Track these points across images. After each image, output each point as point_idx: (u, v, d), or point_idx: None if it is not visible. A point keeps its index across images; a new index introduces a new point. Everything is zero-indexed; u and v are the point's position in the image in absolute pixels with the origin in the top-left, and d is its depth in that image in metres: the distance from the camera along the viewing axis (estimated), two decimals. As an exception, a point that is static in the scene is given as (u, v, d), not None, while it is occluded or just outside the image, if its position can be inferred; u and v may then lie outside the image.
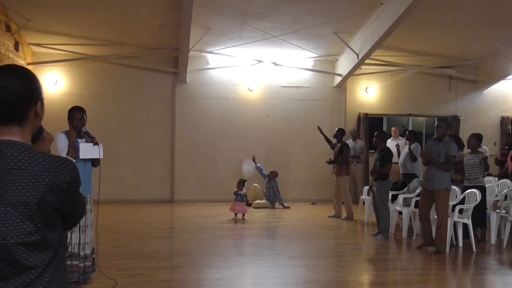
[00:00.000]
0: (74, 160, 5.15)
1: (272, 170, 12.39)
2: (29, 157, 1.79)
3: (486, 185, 8.53)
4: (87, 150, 5.26)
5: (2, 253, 1.73)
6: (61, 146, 5.21)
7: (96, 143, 5.28)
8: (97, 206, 5.39)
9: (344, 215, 10.63)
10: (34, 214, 1.76)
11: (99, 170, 5.34)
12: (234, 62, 12.93)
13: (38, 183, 1.77)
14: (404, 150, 10.35)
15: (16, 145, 1.81)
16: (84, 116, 5.38)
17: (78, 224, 5.19)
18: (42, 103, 1.90)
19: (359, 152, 12.52)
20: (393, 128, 12.78)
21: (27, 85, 1.86)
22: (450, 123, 8.44)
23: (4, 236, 1.73)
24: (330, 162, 10.79)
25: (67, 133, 5.28)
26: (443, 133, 7.65)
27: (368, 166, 13.33)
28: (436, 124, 7.93)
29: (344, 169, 10.60)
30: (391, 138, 12.42)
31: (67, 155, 5.13)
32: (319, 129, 11.12)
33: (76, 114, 5.32)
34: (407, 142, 10.33)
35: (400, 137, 12.63)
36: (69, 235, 4.59)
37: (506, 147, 10.13)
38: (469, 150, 8.49)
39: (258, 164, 12.49)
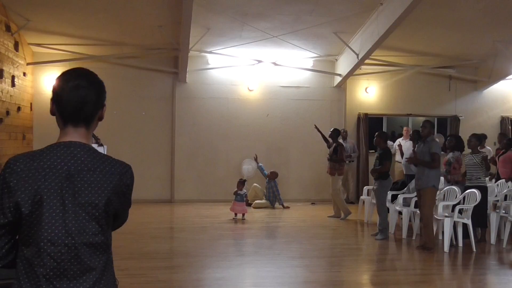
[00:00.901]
0: None
1: (272, 170, 12.39)
2: (97, 159, 1.85)
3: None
4: None
5: (70, 252, 1.78)
6: None
7: (101, 144, 5.26)
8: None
9: (342, 214, 10.64)
10: (100, 215, 1.81)
11: None
12: (234, 62, 12.92)
13: (106, 185, 1.82)
14: (409, 150, 10.32)
15: (85, 147, 1.86)
16: None
17: None
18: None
19: (350, 151, 12.55)
20: (405, 128, 12.74)
21: (102, 89, 1.94)
22: (433, 124, 8.56)
23: (73, 236, 1.78)
24: (329, 159, 10.82)
25: None
26: (427, 133, 7.85)
27: (359, 165, 13.37)
28: (421, 125, 8.05)
29: (337, 169, 10.63)
30: (402, 138, 12.44)
31: None
32: (316, 127, 11.21)
33: None
34: (412, 141, 10.32)
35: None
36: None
37: (500, 147, 10.15)
38: (470, 150, 8.51)
39: (260, 164, 12.49)
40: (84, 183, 1.79)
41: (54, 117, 1.93)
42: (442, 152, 8.51)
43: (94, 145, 5.21)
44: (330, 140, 10.95)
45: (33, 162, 1.79)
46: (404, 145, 11.92)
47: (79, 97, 1.86)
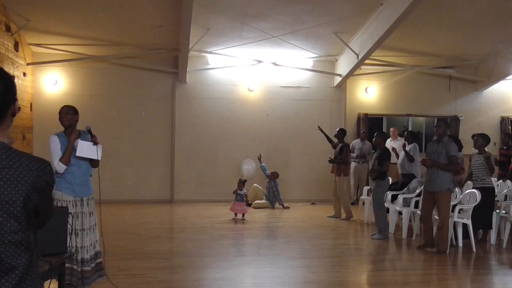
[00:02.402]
0: (63, 164, 5.07)
1: (273, 170, 12.39)
2: (13, 157, 1.81)
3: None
4: (85, 149, 5.09)
5: None
6: (54, 151, 5.08)
7: (96, 143, 5.18)
8: (99, 207, 5.34)
9: (343, 215, 10.64)
10: (19, 213, 1.77)
11: (98, 171, 5.29)
12: (234, 62, 12.92)
13: (23, 182, 1.79)
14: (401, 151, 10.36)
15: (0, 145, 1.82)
16: (70, 111, 5.15)
17: (80, 227, 5.14)
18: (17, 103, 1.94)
19: (367, 152, 12.47)
20: (391, 129, 12.78)
21: (6, 84, 1.88)
22: (449, 123, 8.39)
23: None
24: (331, 161, 10.80)
25: (61, 135, 5.16)
26: (442, 133, 7.62)
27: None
28: (435, 124, 7.90)
29: (343, 170, 10.61)
30: (390, 139, 12.42)
31: (62, 157, 5.06)
32: (320, 128, 11.17)
33: (61, 111, 5.15)
34: (406, 142, 10.30)
35: (399, 138, 12.62)
36: (68, 238, 4.54)
37: (504, 147, 10.12)
38: (476, 151, 8.43)
39: (262, 164, 12.48)
40: (0, 181, 1.76)
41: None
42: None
43: (88, 143, 5.13)
44: (335, 140, 10.92)
45: None
46: (393, 145, 11.92)
47: None
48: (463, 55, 13.12)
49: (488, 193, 7.94)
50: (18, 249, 1.78)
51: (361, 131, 12.84)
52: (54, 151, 5.10)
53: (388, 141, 12.33)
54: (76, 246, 5.09)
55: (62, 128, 5.24)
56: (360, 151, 12.33)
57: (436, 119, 14.17)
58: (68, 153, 5.07)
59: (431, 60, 13.47)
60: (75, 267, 5.09)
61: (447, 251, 7.48)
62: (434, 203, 7.58)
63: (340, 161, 10.56)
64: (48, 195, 1.90)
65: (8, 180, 1.77)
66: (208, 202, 12.54)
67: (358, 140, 12.58)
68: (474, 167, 8.26)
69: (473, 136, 8.70)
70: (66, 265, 4.87)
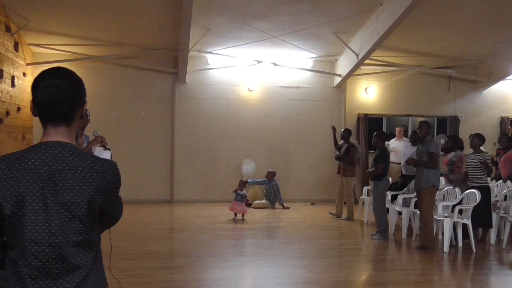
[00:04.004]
0: None
1: (268, 170, 12.38)
2: (79, 158, 1.85)
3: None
4: (97, 154, 5.26)
5: (54, 251, 1.78)
6: None
7: (107, 149, 5.29)
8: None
9: (345, 215, 10.64)
10: (83, 214, 1.81)
11: None
12: (234, 62, 12.92)
13: (88, 184, 1.82)
14: (407, 151, 10.30)
15: (67, 147, 1.86)
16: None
17: None
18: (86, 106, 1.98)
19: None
20: (397, 128, 12.73)
21: (79, 86, 1.94)
22: (431, 124, 8.53)
23: (56, 235, 1.78)
24: (337, 158, 10.80)
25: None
26: (425, 134, 7.86)
27: (359, 165, 13.34)
28: (417, 126, 8.06)
29: (350, 170, 10.63)
30: (395, 138, 12.43)
31: None
32: (333, 128, 11.23)
33: None
34: (411, 143, 10.26)
35: (404, 138, 12.60)
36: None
37: (501, 147, 10.14)
38: (471, 151, 8.47)
39: (249, 180, 12.26)
40: (66, 182, 1.79)
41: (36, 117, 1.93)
42: (442, 153, 8.49)
43: (100, 149, 5.23)
44: (341, 141, 10.96)
45: (14, 163, 1.80)
46: (397, 145, 11.91)
47: (50, 95, 1.85)
48: (463, 55, 13.12)
49: (484, 192, 7.97)
50: (82, 249, 1.82)
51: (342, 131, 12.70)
52: None
53: (393, 140, 12.40)
54: None
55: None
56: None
57: (436, 119, 14.23)
58: None
59: (431, 60, 13.47)
60: None
61: (433, 248, 7.58)
62: None
63: (347, 161, 10.57)
64: (113, 196, 1.93)
65: (74, 182, 1.80)
66: (208, 202, 12.54)
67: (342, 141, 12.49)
68: (470, 167, 8.29)
69: (469, 137, 8.74)
70: None
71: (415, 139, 9.87)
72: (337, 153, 10.98)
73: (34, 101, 1.88)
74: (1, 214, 1.77)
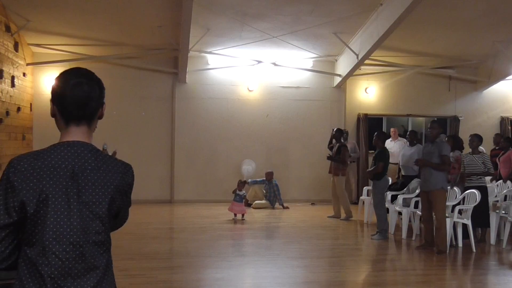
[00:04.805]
0: None
1: (266, 171, 12.38)
2: (100, 159, 1.87)
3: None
4: None
5: (75, 251, 1.79)
6: None
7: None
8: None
9: (343, 215, 10.64)
10: (103, 214, 1.83)
11: None
12: (234, 62, 12.92)
13: (109, 184, 1.85)
14: (405, 151, 10.30)
15: (88, 146, 1.88)
16: None
17: None
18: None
19: (351, 151, 12.48)
20: (392, 129, 12.78)
21: (102, 85, 1.97)
22: (441, 124, 8.49)
23: (78, 234, 1.79)
24: (329, 158, 10.83)
25: None
26: (436, 134, 7.72)
27: (359, 166, 13.35)
28: (428, 126, 7.94)
29: (341, 169, 10.64)
30: (390, 139, 12.42)
31: None
32: (333, 131, 11.27)
33: None
34: (408, 143, 10.25)
35: (400, 138, 12.62)
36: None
37: (496, 148, 10.13)
38: (470, 150, 8.48)
39: (249, 180, 12.30)
40: (88, 182, 1.81)
41: (54, 117, 1.94)
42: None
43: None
44: (334, 141, 10.99)
45: (37, 161, 1.80)
46: (393, 146, 11.90)
47: (83, 93, 1.87)
48: (463, 55, 13.12)
49: (482, 192, 7.96)
50: (101, 249, 1.85)
51: (344, 131, 12.72)
52: None
53: (388, 141, 12.37)
54: None
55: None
56: None
57: (436, 119, 14.18)
58: None
59: (431, 60, 13.47)
60: None
61: (447, 251, 7.48)
62: (430, 202, 7.63)
63: (338, 160, 10.59)
64: (129, 197, 1.96)
65: (96, 182, 1.82)
66: (208, 202, 12.54)
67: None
68: (469, 167, 8.28)
69: (469, 137, 8.73)
70: None
71: (414, 139, 9.88)
72: (329, 153, 11.01)
73: (62, 100, 1.88)
74: (23, 212, 1.77)
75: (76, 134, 1.88)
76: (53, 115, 1.93)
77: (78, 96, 1.86)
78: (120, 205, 1.89)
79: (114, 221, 1.96)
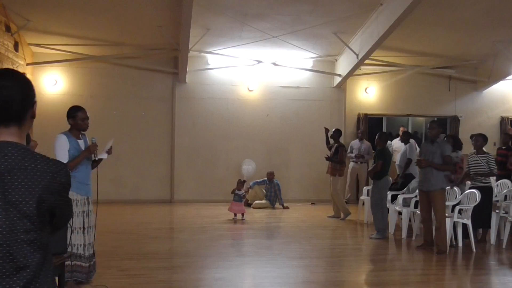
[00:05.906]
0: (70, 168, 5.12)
1: (268, 171, 12.37)
2: (29, 158, 1.85)
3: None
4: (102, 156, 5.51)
5: (2, 250, 1.78)
6: (61, 151, 5.07)
7: (110, 153, 5.61)
8: (96, 206, 5.39)
9: (342, 215, 10.64)
10: (31, 213, 1.81)
11: (96, 171, 5.38)
12: (234, 62, 12.92)
13: (37, 183, 1.83)
14: (402, 151, 10.33)
15: (17, 146, 1.87)
16: (87, 115, 5.37)
17: (82, 226, 5.20)
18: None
19: (364, 152, 12.43)
20: (401, 128, 12.72)
21: (28, 87, 1.96)
22: (441, 124, 8.49)
23: (4, 233, 1.78)
24: (327, 159, 10.83)
25: (69, 135, 5.20)
26: (436, 134, 7.70)
27: (368, 167, 13.34)
28: (428, 126, 7.93)
29: (338, 170, 10.63)
30: (399, 138, 12.38)
31: (71, 162, 5.02)
32: (326, 129, 11.26)
33: (77, 114, 5.26)
34: (403, 143, 10.33)
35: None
36: (68, 235, 4.58)
37: (503, 147, 10.12)
38: (474, 151, 8.42)
39: (250, 183, 12.30)
40: (15, 181, 1.79)
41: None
42: None
43: (104, 155, 5.31)
44: (332, 141, 10.98)
45: None
46: (400, 146, 11.88)
47: (3, 97, 1.87)
48: (463, 55, 13.12)
49: (487, 192, 7.95)
50: (31, 248, 1.82)
51: (359, 131, 12.82)
52: (61, 151, 5.09)
53: (396, 140, 12.41)
54: (84, 243, 5.23)
55: (62, 128, 5.29)
56: (359, 151, 12.31)
57: (436, 119, 14.18)
58: (79, 162, 5.11)
59: (431, 60, 13.47)
60: (79, 263, 5.16)
61: (447, 251, 7.48)
62: (430, 202, 7.62)
63: (336, 160, 10.58)
64: (64, 197, 1.93)
65: (22, 181, 1.80)
66: (208, 202, 12.54)
67: (357, 140, 12.54)
68: (473, 167, 8.24)
69: (471, 137, 8.67)
70: (75, 263, 5.11)
71: (407, 137, 10.00)
72: (328, 153, 11.00)
73: None
74: None
75: (5, 135, 1.88)
76: None
77: None
78: (52, 205, 1.87)
79: (52, 221, 1.93)
